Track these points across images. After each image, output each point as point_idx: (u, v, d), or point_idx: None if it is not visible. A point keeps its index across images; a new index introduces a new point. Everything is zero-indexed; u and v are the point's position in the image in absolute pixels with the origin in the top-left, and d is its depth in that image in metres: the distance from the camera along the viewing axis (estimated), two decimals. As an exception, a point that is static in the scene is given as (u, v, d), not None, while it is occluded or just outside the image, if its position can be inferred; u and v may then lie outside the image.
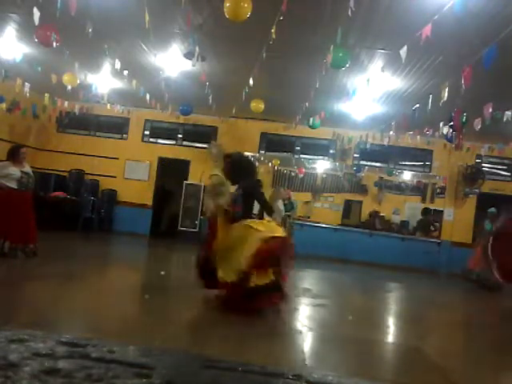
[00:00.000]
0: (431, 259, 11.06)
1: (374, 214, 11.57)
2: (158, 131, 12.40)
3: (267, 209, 4.74)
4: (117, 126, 12.35)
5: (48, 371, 2.22)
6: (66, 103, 10.14)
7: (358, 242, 11.20)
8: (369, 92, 7.93)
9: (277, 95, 9.07)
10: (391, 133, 9.85)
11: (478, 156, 11.21)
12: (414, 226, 11.58)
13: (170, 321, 3.72)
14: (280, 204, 9.36)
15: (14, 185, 5.98)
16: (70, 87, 8.09)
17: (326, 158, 12.09)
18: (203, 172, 7.69)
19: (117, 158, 12.12)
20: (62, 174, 11.69)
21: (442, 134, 8.09)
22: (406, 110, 7.83)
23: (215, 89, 8.52)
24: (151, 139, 12.39)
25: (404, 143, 10.78)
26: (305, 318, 4.65)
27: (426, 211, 11.38)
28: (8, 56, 7.64)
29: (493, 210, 8.98)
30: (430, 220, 11.42)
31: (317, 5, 5.39)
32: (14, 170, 5.99)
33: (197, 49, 6.29)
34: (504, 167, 11.68)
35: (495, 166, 11.66)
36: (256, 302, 4.02)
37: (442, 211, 11.52)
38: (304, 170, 11.88)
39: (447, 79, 5.85)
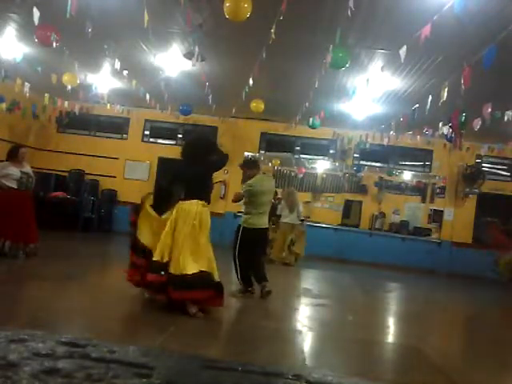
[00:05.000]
0: (431, 259, 11.07)
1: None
2: (158, 131, 12.39)
3: None
4: (117, 126, 12.34)
5: (48, 371, 2.22)
6: (66, 103, 10.13)
7: (358, 242, 11.21)
8: (369, 92, 7.92)
9: (277, 95, 9.06)
10: (391, 133, 9.85)
11: (478, 156, 11.20)
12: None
13: (170, 320, 3.72)
14: (301, 205, 9.42)
15: (13, 185, 5.99)
16: (69, 87, 8.08)
17: (326, 158, 12.08)
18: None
19: (117, 158, 12.12)
20: (61, 174, 11.68)
21: (442, 133, 8.08)
22: (406, 110, 7.83)
23: (215, 89, 8.52)
24: (151, 139, 12.39)
25: (404, 143, 10.78)
26: (305, 318, 4.66)
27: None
28: (8, 56, 7.63)
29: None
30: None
31: (317, 5, 5.38)
32: (14, 170, 6.00)
33: (197, 49, 6.29)
34: (504, 167, 11.67)
35: (495, 166, 11.64)
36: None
37: (442, 211, 11.53)
38: (304, 169, 11.88)
39: (447, 79, 5.85)
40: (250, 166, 5.45)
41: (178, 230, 4.07)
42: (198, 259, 4.05)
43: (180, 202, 4.21)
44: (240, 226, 5.28)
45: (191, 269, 3.95)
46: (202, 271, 3.99)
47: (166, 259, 3.99)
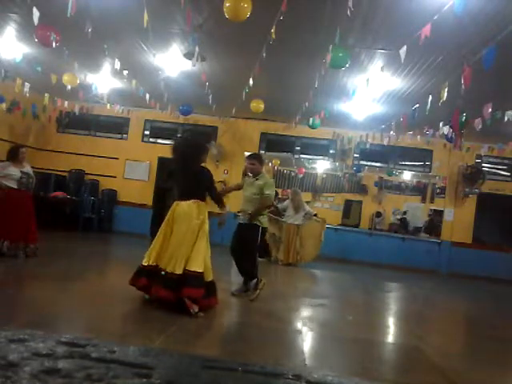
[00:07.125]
0: (431, 259, 11.07)
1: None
2: (158, 131, 12.39)
3: None
4: (117, 126, 12.34)
5: (48, 371, 2.22)
6: (66, 103, 10.13)
7: (358, 242, 11.22)
8: (369, 92, 7.93)
9: (277, 95, 9.06)
10: (391, 133, 9.85)
11: (478, 156, 11.21)
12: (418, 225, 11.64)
13: (170, 320, 3.71)
14: (306, 206, 9.45)
15: (13, 185, 5.99)
16: (69, 87, 8.09)
17: (326, 158, 12.09)
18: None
19: (117, 158, 12.12)
20: (61, 174, 11.69)
21: (442, 133, 8.08)
22: (406, 110, 7.83)
23: (215, 89, 8.52)
24: (151, 139, 12.39)
25: (404, 143, 10.78)
26: (305, 318, 4.65)
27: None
28: (8, 56, 7.64)
29: None
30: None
31: (317, 5, 5.39)
32: (14, 170, 6.00)
33: (197, 49, 6.29)
34: (504, 167, 11.67)
35: (495, 166, 11.65)
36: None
37: (442, 211, 11.53)
38: (304, 169, 11.89)
39: (447, 79, 5.85)
40: (261, 162, 5.27)
41: (174, 230, 4.14)
42: (195, 258, 4.07)
43: (176, 201, 4.26)
44: (255, 225, 5.15)
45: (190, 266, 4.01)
46: (193, 271, 4.01)
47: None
